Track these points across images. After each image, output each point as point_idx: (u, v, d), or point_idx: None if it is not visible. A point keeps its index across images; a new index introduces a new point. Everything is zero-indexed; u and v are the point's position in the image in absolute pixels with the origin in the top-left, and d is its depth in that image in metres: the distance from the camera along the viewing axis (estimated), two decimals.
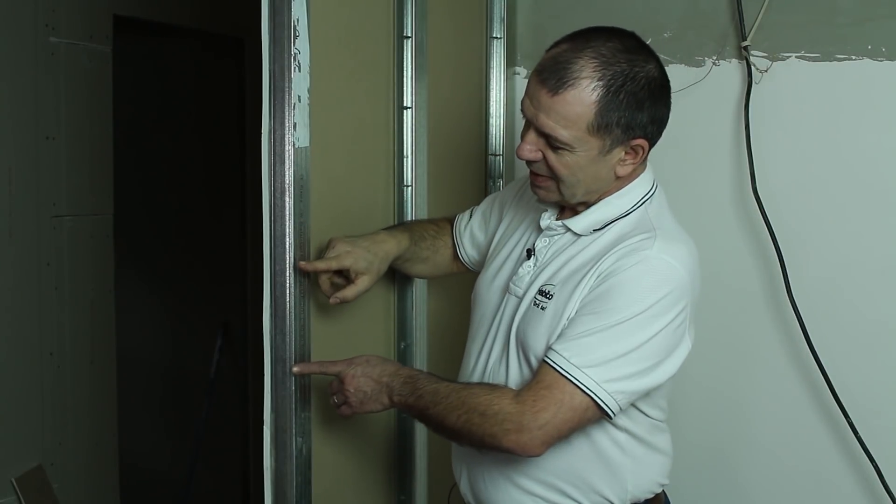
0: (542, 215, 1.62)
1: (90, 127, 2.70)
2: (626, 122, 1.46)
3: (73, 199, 2.63)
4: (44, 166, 2.52)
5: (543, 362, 1.47)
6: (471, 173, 2.23)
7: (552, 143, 1.48)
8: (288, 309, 1.53)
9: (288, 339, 1.54)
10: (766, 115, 2.13)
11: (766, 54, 2.13)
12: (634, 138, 1.49)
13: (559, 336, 1.48)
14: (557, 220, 1.60)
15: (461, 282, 1.96)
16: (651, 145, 1.52)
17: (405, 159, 1.89)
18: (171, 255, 3.81)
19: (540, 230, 1.63)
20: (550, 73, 1.45)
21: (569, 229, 1.58)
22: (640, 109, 1.46)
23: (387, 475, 1.94)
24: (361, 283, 1.64)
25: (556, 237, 1.60)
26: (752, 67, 2.13)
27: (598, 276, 1.48)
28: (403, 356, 1.93)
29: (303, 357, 1.56)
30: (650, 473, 1.60)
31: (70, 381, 2.63)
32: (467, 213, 1.89)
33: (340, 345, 1.73)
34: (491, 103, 2.26)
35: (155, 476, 3.75)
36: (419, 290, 1.94)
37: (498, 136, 2.28)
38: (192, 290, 3.79)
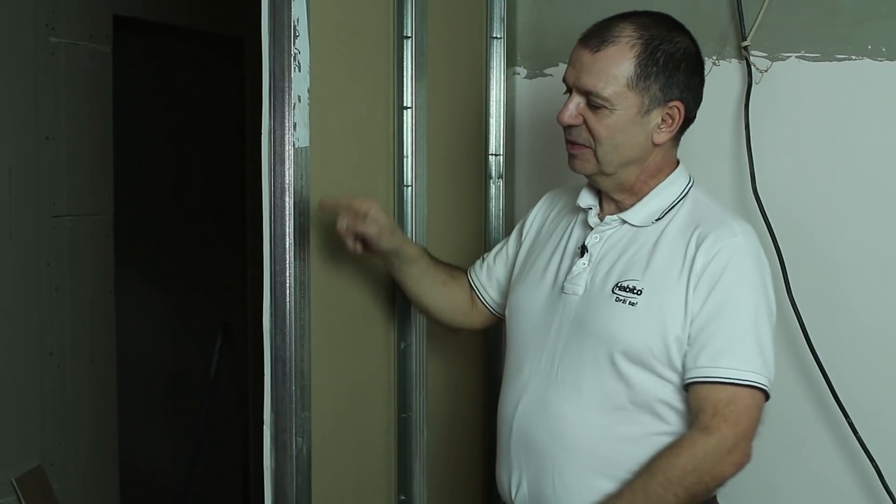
0: (589, 213, 1.65)
1: (90, 127, 2.70)
2: (664, 81, 1.54)
3: (73, 199, 2.63)
4: (44, 166, 2.52)
5: (705, 383, 1.50)
6: (471, 173, 2.23)
7: (592, 102, 1.53)
8: (288, 309, 1.53)
9: (288, 339, 1.54)
10: (766, 115, 2.13)
11: (766, 54, 2.13)
12: (672, 100, 1.55)
13: (698, 351, 1.51)
14: (612, 215, 1.63)
15: None
16: (687, 114, 1.58)
17: (405, 159, 1.88)
18: (171, 255, 3.81)
19: (586, 228, 1.65)
20: (592, 36, 1.55)
21: (625, 222, 1.61)
22: (676, 69, 1.55)
23: (387, 475, 1.93)
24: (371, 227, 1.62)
25: (607, 231, 1.62)
26: (752, 67, 2.12)
27: (701, 280, 1.52)
28: (403, 356, 1.93)
29: (303, 357, 1.56)
30: None
31: (70, 381, 2.64)
32: (478, 261, 1.89)
33: (341, 345, 1.74)
34: (491, 103, 2.26)
35: (155, 476, 3.75)
36: None
37: (498, 136, 2.27)
38: (192, 290, 3.79)
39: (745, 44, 2.12)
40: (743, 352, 1.50)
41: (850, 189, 2.10)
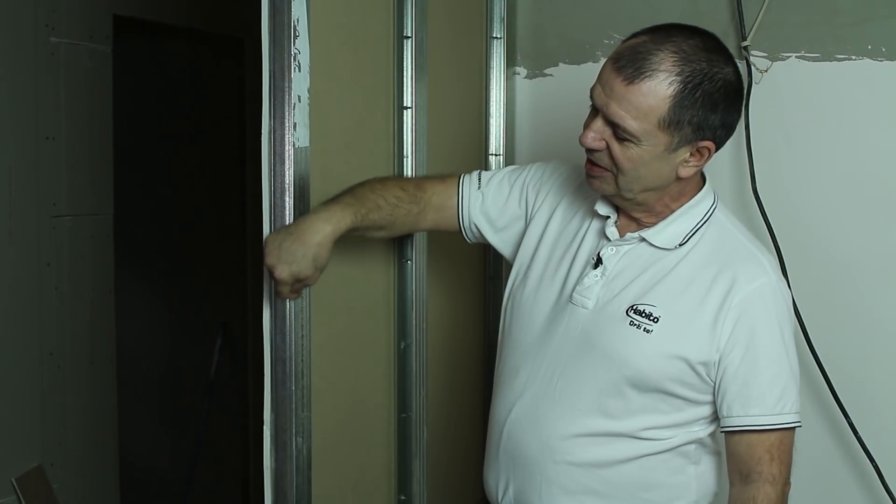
0: (606, 223, 1.59)
1: (90, 127, 2.70)
2: (697, 122, 1.45)
3: (73, 199, 2.63)
4: (44, 166, 2.52)
5: (755, 431, 1.52)
6: None
7: (619, 133, 1.45)
8: (288, 309, 1.53)
9: (288, 339, 1.54)
10: (766, 115, 2.13)
11: (766, 54, 2.13)
12: (703, 140, 1.47)
13: (745, 399, 1.51)
14: (633, 232, 1.57)
15: (462, 281, 1.96)
16: (717, 149, 1.51)
17: (405, 159, 1.88)
18: (171, 255, 3.81)
19: (602, 238, 1.59)
20: (628, 62, 1.44)
21: (644, 240, 1.56)
22: (713, 111, 1.45)
23: (387, 475, 1.94)
24: (311, 281, 1.51)
25: (625, 247, 1.57)
26: (752, 67, 2.13)
27: (737, 324, 1.50)
28: (403, 356, 1.93)
29: (303, 357, 1.56)
30: (713, 478, 1.65)
31: (70, 381, 2.64)
32: (474, 181, 1.75)
33: (341, 345, 1.74)
34: (491, 103, 2.26)
35: (155, 476, 3.75)
36: (419, 289, 1.94)
37: (498, 136, 2.27)
38: (192, 290, 3.79)
39: (745, 44, 2.12)
40: (785, 394, 1.52)
41: (850, 189, 2.10)
